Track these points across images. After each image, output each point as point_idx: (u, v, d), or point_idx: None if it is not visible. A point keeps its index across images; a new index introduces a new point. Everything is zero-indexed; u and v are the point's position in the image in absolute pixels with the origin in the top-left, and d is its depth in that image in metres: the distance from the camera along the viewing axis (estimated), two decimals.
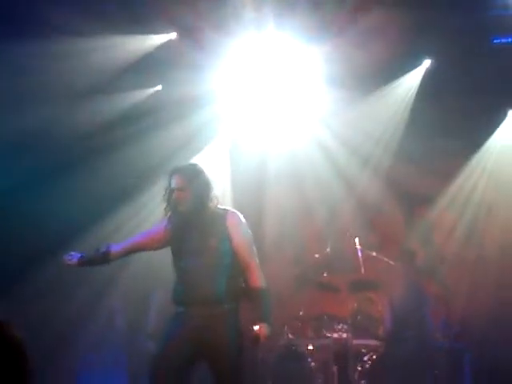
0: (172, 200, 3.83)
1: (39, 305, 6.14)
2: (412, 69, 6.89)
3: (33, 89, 6.04)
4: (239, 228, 3.81)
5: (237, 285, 3.79)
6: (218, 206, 3.88)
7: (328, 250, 6.72)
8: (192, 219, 3.80)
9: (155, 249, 4.04)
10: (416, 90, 6.95)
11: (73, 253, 3.96)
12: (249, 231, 3.88)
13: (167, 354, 3.73)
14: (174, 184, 3.83)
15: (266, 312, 3.74)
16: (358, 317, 6.42)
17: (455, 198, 7.27)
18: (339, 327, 6.39)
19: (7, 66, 5.89)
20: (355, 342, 6.32)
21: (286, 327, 6.45)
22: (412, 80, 6.98)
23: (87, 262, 3.97)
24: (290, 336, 6.47)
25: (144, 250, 4.12)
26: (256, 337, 3.65)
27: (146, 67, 6.63)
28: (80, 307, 6.37)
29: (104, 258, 3.95)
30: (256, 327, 3.66)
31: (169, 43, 6.50)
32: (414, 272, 6.62)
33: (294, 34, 6.27)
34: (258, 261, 3.84)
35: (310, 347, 6.37)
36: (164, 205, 3.90)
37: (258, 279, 3.78)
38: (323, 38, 6.25)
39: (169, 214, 3.89)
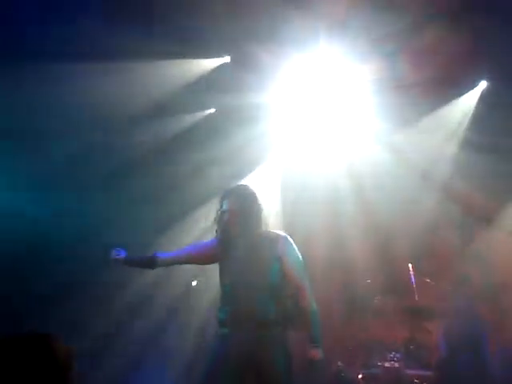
0: (222, 222, 3.84)
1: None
2: (467, 90, 6.77)
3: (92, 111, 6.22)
4: (290, 251, 3.81)
5: (286, 308, 3.77)
6: (269, 229, 3.87)
7: (381, 275, 6.58)
8: (242, 242, 3.79)
9: (202, 263, 4.12)
10: (472, 111, 6.82)
11: (120, 249, 4.02)
12: (299, 254, 3.87)
13: (214, 381, 3.68)
14: (225, 206, 3.86)
15: (317, 335, 3.72)
16: (411, 345, 6.24)
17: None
18: (391, 356, 6.22)
19: (72, 87, 6.07)
20: (407, 371, 6.13)
21: (335, 354, 6.33)
22: (468, 101, 6.86)
23: (133, 261, 4.06)
24: (340, 363, 6.33)
25: (190, 263, 4.18)
26: (312, 360, 3.64)
27: (200, 90, 6.71)
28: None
29: (150, 262, 4.02)
30: (310, 350, 3.63)
31: (223, 66, 6.57)
32: (471, 298, 6.41)
33: (345, 54, 6.25)
34: (309, 284, 3.80)
35: (360, 376, 6.22)
36: (215, 226, 3.90)
37: (310, 302, 3.77)
38: (375, 57, 6.21)
39: (219, 235, 3.88)
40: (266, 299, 3.70)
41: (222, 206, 3.89)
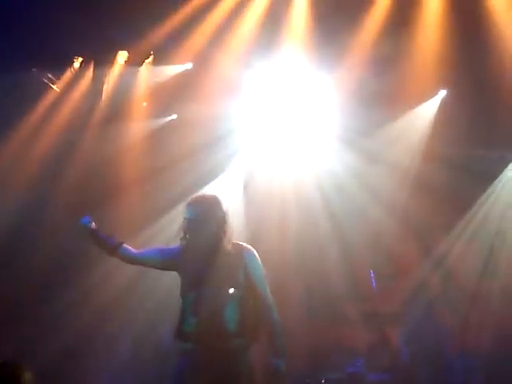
0: (186, 230, 3.83)
1: None
2: (427, 99, 6.89)
3: None
4: (254, 263, 3.81)
5: (249, 320, 3.76)
6: (233, 240, 3.87)
7: (342, 281, 6.66)
8: (205, 251, 3.78)
9: (162, 269, 4.02)
10: (432, 119, 6.94)
11: (90, 219, 3.92)
12: (262, 267, 3.87)
13: None
14: (188, 214, 3.84)
15: (281, 347, 3.71)
16: (374, 350, 6.33)
17: (470, 226, 7.21)
18: (353, 361, 6.30)
19: None
20: (370, 376, 6.23)
21: (298, 360, 6.37)
22: (428, 109, 6.98)
23: (98, 236, 3.92)
24: (303, 369, 6.38)
25: (150, 266, 4.04)
26: (274, 373, 3.64)
27: (161, 97, 6.68)
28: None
29: (113, 246, 3.90)
30: (272, 362, 3.64)
31: (185, 73, 6.56)
32: (430, 304, 6.54)
33: (308, 63, 6.30)
34: (271, 296, 3.82)
35: (323, 381, 6.28)
36: (180, 234, 3.87)
37: (273, 314, 3.76)
38: (336, 66, 6.28)
39: (183, 242, 3.88)
40: (231, 311, 3.68)
41: (186, 214, 3.87)
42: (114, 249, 3.91)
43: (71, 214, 6.26)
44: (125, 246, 3.93)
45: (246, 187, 7.21)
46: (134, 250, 3.96)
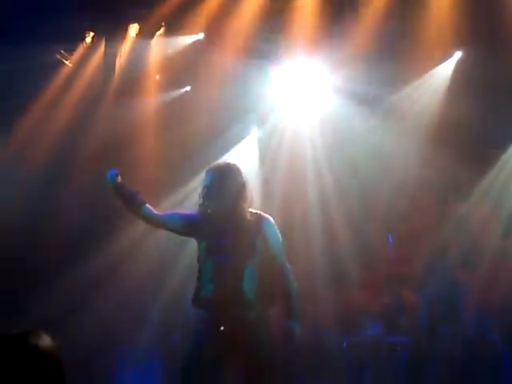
0: (205, 197, 3.84)
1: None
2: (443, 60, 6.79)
3: None
4: (272, 232, 3.85)
5: (266, 287, 3.81)
6: (251, 208, 3.90)
7: (359, 244, 6.66)
8: (224, 218, 3.81)
9: (180, 233, 4.01)
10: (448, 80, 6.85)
11: (116, 172, 3.86)
12: (280, 235, 3.91)
13: (198, 366, 3.72)
14: (208, 181, 3.86)
15: (296, 311, 3.80)
16: (392, 313, 6.36)
17: (491, 187, 7.12)
18: (372, 324, 6.35)
19: None
20: (390, 338, 6.27)
21: (318, 323, 6.43)
22: (444, 71, 6.88)
23: (124, 191, 3.85)
24: (322, 332, 6.45)
25: (169, 229, 4.02)
26: (289, 335, 3.72)
27: (174, 69, 6.68)
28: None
29: (138, 203, 3.83)
30: (288, 325, 3.72)
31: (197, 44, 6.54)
32: (448, 264, 6.52)
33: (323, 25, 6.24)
34: (287, 263, 3.88)
35: (344, 344, 6.35)
36: (200, 201, 3.88)
37: (292, 280, 3.84)
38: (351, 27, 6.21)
39: (203, 209, 3.88)
40: (250, 279, 3.73)
41: (205, 182, 3.87)
42: (138, 206, 3.84)
43: (89, 187, 6.38)
44: (148, 205, 3.88)
45: (262, 156, 7.21)
46: (155, 211, 3.93)
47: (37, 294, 6.15)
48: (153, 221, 3.95)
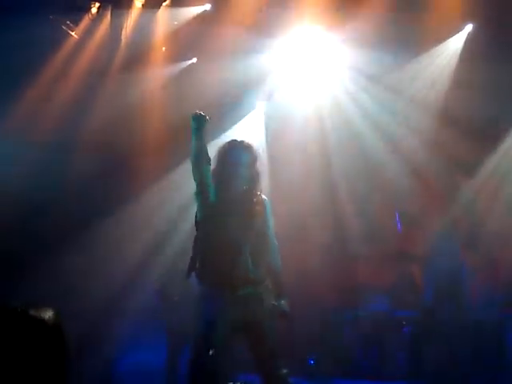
0: (235, 174, 3.82)
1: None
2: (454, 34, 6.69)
3: None
4: (270, 212, 3.97)
5: (264, 265, 3.87)
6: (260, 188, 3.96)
7: (367, 222, 6.65)
8: (243, 197, 3.84)
9: (198, 194, 3.85)
10: (459, 53, 6.76)
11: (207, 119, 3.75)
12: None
13: (210, 339, 3.71)
14: (244, 159, 3.83)
15: (282, 287, 3.91)
16: (398, 289, 6.37)
17: (499, 164, 7.05)
18: (379, 299, 6.36)
19: None
20: (396, 313, 6.28)
21: (325, 299, 6.45)
22: (455, 44, 6.79)
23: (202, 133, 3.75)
24: (328, 307, 6.46)
25: (200, 188, 3.83)
26: (283, 312, 3.83)
27: (180, 41, 6.60)
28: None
29: (208, 157, 3.75)
30: (279, 303, 3.81)
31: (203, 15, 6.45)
32: (456, 242, 6.49)
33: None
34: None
35: (349, 318, 6.37)
36: (218, 175, 3.82)
37: (278, 257, 3.95)
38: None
39: (225, 186, 3.84)
40: (256, 258, 3.78)
41: (236, 158, 3.83)
42: (207, 160, 3.75)
43: (98, 157, 6.37)
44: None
45: (267, 129, 7.16)
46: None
47: (45, 262, 6.15)
48: (201, 165, 3.77)
